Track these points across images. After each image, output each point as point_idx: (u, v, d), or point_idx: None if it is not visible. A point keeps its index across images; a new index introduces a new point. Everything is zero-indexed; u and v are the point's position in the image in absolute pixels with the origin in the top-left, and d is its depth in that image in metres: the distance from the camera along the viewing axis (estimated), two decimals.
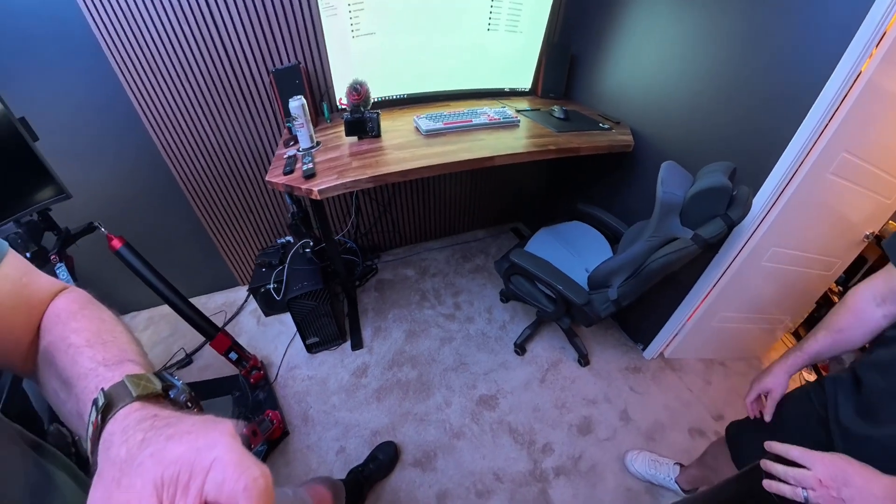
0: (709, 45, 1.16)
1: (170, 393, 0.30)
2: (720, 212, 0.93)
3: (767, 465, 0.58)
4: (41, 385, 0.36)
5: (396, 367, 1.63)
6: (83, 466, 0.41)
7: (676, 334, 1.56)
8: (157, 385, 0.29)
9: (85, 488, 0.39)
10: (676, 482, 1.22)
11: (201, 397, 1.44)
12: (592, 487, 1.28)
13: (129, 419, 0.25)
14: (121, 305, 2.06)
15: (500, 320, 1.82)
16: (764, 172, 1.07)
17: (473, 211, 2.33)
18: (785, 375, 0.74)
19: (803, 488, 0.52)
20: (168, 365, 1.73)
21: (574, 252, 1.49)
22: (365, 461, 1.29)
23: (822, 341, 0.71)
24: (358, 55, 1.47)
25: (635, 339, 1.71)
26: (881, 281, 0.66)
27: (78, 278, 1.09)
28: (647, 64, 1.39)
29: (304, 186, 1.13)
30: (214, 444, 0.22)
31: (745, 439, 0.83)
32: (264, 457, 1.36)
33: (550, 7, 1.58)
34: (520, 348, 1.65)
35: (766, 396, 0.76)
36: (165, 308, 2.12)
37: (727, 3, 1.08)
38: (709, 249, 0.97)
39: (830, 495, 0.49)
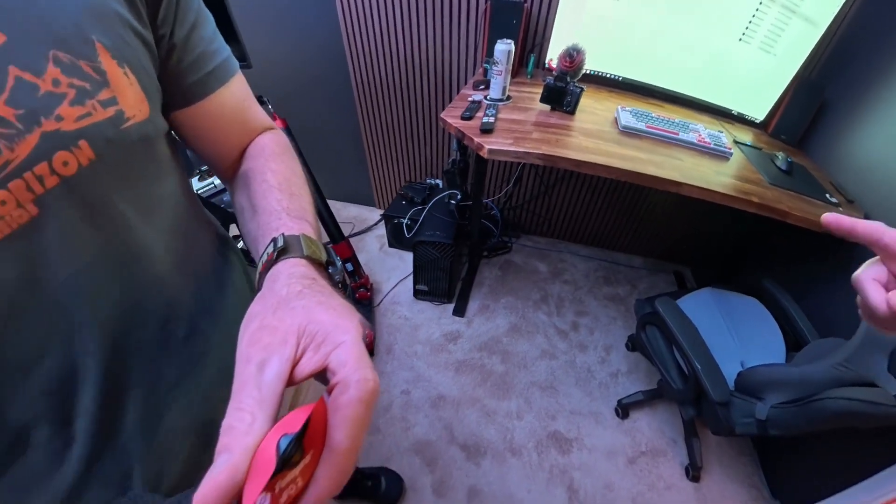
0: None
1: (329, 268, 0.39)
2: None
3: None
4: (232, 194, 0.50)
5: (486, 353, 1.80)
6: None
7: None
8: (323, 256, 0.38)
9: (246, 278, 0.60)
10: None
11: None
12: None
13: (296, 269, 0.33)
14: None
15: (615, 367, 1.78)
16: None
17: (639, 233, 2.23)
18: None
19: None
20: None
21: (735, 334, 1.36)
22: (362, 475, 1.36)
23: None
24: (591, 16, 1.51)
25: (774, 491, 1.47)
26: None
27: None
28: None
29: (476, 139, 1.28)
30: (349, 330, 0.28)
31: None
32: None
33: (820, 37, 1.41)
34: (622, 409, 1.61)
35: None
36: None
37: None
38: None
39: None
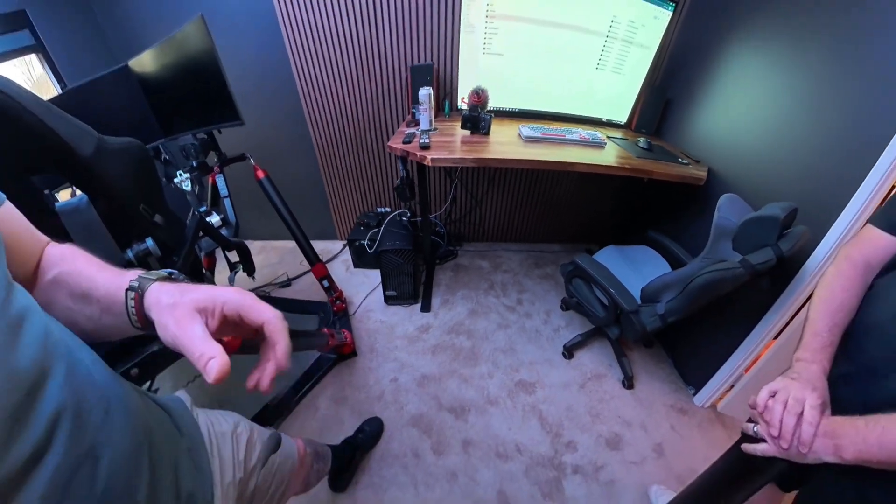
0: (788, 100, 1.33)
1: (173, 275, 0.45)
2: (771, 242, 1.08)
3: (745, 426, 0.72)
4: (49, 305, 0.44)
5: (454, 334, 1.97)
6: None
7: (732, 386, 1.61)
8: (165, 272, 0.45)
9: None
10: None
11: (296, 311, 1.92)
12: (606, 499, 1.40)
13: (164, 287, 0.41)
14: (242, 232, 2.63)
15: (556, 324, 2.04)
16: (830, 220, 1.17)
17: (554, 225, 2.62)
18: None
19: (753, 424, 0.68)
20: (273, 282, 2.31)
21: (635, 271, 1.68)
22: (355, 432, 1.50)
23: (844, 323, 0.70)
24: (484, 69, 1.88)
25: (687, 380, 1.78)
26: (871, 247, 0.72)
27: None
28: (733, 113, 1.59)
29: (419, 153, 1.53)
30: (225, 291, 0.40)
31: None
32: (332, 365, 1.77)
33: (654, 56, 1.89)
34: (568, 352, 1.85)
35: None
36: (276, 242, 2.71)
37: (807, 67, 1.26)
38: (758, 278, 1.11)
39: (767, 420, 0.64)
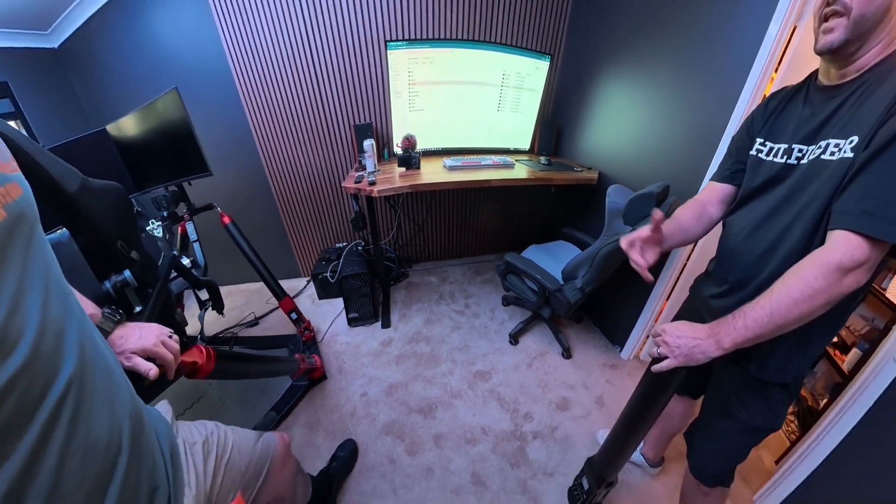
0: (648, 107, 1.62)
1: (118, 318, 0.67)
2: (651, 212, 1.30)
3: (651, 352, 0.84)
4: None
5: (414, 343, 2.01)
6: None
7: (648, 336, 1.83)
8: (114, 319, 0.67)
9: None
10: (642, 454, 1.39)
11: (265, 347, 1.91)
12: (564, 453, 1.48)
13: (114, 337, 0.64)
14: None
15: (500, 318, 2.17)
16: (695, 190, 1.38)
17: (487, 239, 2.81)
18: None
19: (657, 347, 0.80)
20: (240, 323, 2.22)
21: (555, 260, 1.87)
22: (329, 461, 1.39)
23: (669, 228, 0.89)
24: (411, 122, 2.10)
25: (613, 341, 1.97)
26: (709, 192, 0.92)
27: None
28: (610, 126, 1.90)
29: (367, 188, 1.66)
30: (147, 341, 0.67)
31: None
32: (304, 391, 1.73)
33: (541, 95, 2.22)
34: (513, 338, 1.98)
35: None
36: (242, 286, 2.66)
37: (657, 80, 1.56)
38: None
39: (666, 342, 0.77)
